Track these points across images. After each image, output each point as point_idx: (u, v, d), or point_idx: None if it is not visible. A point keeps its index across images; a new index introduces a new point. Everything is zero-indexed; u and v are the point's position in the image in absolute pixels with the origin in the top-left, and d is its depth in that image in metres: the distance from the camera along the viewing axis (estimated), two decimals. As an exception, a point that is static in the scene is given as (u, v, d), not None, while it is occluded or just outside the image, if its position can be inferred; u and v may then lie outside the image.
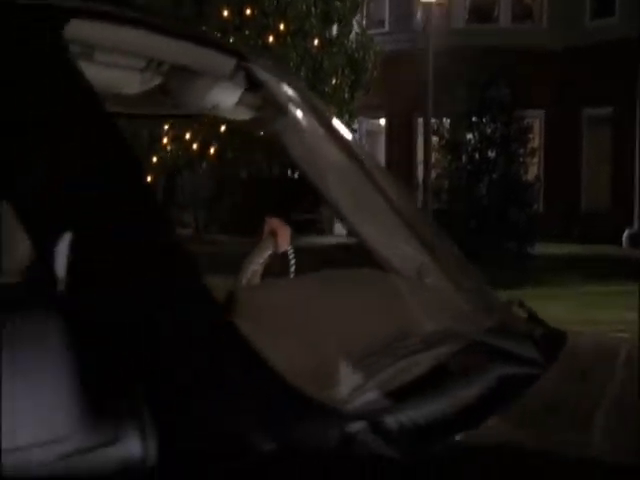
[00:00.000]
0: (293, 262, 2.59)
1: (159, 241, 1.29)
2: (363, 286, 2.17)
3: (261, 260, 2.51)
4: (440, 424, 1.32)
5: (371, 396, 1.34)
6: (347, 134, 2.46)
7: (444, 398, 1.40)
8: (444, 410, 1.36)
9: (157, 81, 2.06)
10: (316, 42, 15.90)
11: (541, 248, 15.87)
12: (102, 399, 1.20)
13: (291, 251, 2.58)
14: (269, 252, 2.52)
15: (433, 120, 17.14)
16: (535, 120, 19.38)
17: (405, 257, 2.42)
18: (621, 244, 18.65)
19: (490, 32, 20.73)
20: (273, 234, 2.50)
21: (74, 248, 1.21)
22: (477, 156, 17.00)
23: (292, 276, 2.63)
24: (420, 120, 19.41)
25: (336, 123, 2.43)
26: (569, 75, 20.23)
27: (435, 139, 17.32)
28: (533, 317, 2.15)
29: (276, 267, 2.73)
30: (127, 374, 1.21)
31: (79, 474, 1.14)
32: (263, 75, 2.19)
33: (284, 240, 2.52)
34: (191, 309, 1.26)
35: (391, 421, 1.27)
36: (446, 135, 17.32)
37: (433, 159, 17.32)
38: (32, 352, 1.15)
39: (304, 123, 2.42)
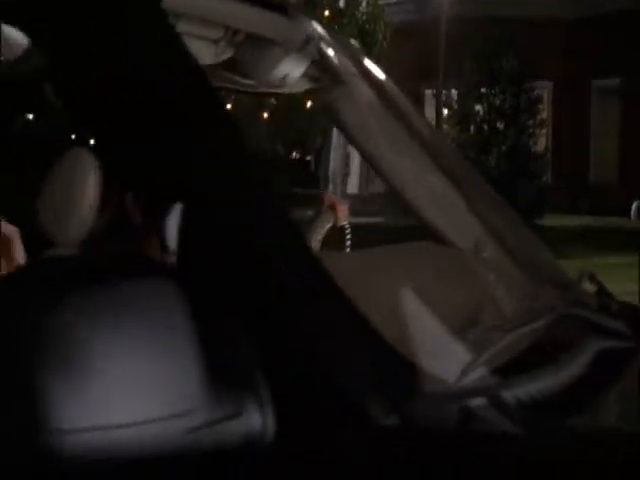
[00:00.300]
0: (349, 237, 2.61)
1: (268, 212, 1.28)
2: (431, 260, 2.15)
3: (322, 232, 2.53)
4: (557, 399, 1.31)
5: (483, 372, 1.32)
6: (408, 105, 2.42)
7: (555, 373, 1.38)
8: (558, 385, 1.35)
9: (229, 53, 2.03)
10: (327, 13, 15.79)
11: (550, 220, 15.84)
12: (224, 372, 1.19)
13: (347, 225, 2.60)
14: (329, 225, 2.54)
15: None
16: (544, 91, 19.28)
17: (460, 229, 2.38)
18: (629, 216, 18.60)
19: (500, 2, 20.56)
20: (332, 208, 2.52)
21: (187, 221, 1.20)
22: (486, 127, 16.98)
23: (348, 250, 2.64)
24: (428, 92, 19.31)
25: (398, 94, 2.40)
26: (579, 46, 20.11)
27: (444, 110, 17.28)
28: (603, 291, 2.12)
29: (329, 240, 2.73)
30: (244, 347, 1.20)
31: (204, 448, 1.13)
32: (326, 45, 2.17)
33: (343, 214, 2.55)
34: (304, 281, 1.24)
35: (509, 396, 1.26)
36: (455, 106, 17.29)
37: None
38: (159, 325, 1.14)
39: (360, 93, 2.38)
